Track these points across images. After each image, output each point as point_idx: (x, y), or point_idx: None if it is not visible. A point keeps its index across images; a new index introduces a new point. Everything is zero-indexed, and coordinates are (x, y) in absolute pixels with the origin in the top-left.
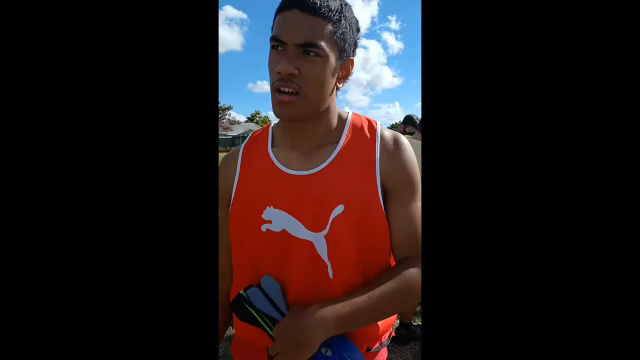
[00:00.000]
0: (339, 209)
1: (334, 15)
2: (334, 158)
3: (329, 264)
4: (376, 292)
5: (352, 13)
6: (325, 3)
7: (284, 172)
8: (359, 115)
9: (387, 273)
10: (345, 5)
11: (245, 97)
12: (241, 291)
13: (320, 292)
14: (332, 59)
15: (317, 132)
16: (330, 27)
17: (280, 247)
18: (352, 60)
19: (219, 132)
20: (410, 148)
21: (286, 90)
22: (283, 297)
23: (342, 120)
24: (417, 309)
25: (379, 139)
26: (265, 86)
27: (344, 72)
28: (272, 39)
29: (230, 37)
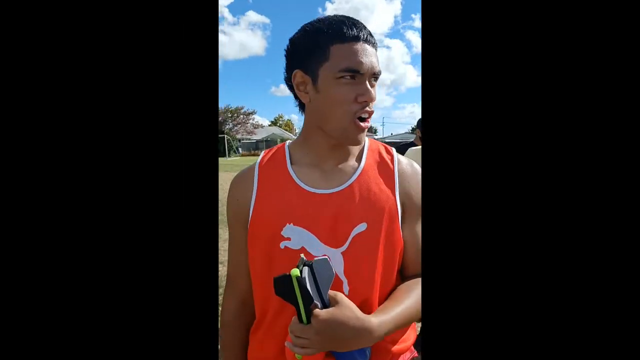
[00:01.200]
0: (361, 227)
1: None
2: (357, 177)
3: (344, 280)
4: (408, 303)
5: None
6: (372, 36)
7: (305, 190)
8: (374, 141)
9: (409, 285)
10: None
11: (269, 101)
12: (294, 272)
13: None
14: None
15: (341, 152)
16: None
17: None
18: None
19: (244, 136)
20: (419, 172)
21: (366, 116)
22: (328, 286)
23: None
24: None
25: (397, 162)
26: (287, 90)
27: None
28: (346, 70)
29: (253, 42)
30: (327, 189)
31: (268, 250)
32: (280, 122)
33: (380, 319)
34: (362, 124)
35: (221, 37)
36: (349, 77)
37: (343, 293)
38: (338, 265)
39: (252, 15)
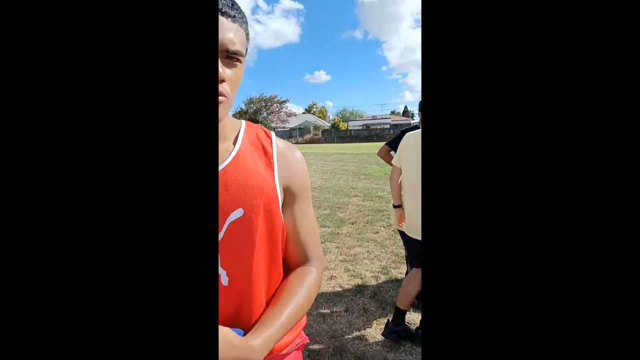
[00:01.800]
0: (237, 213)
1: (244, 20)
2: (231, 161)
3: (222, 272)
4: (291, 310)
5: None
6: (240, 9)
7: None
8: (252, 124)
9: (291, 286)
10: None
11: (303, 89)
12: None
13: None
14: (243, 61)
15: (220, 134)
16: (244, 32)
17: None
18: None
19: (277, 125)
20: (302, 158)
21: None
22: None
23: (237, 124)
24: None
25: (275, 145)
26: (322, 76)
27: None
28: None
29: (288, 29)
30: None
31: None
32: (314, 110)
33: (262, 339)
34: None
35: (256, 27)
36: None
37: (222, 284)
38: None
39: (286, 3)
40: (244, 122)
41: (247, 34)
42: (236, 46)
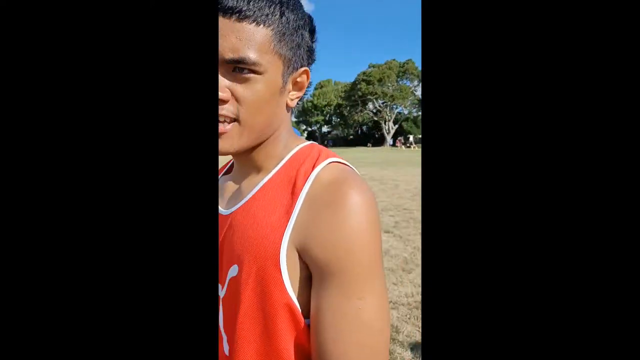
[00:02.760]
0: (233, 270)
1: (269, 16)
2: (250, 198)
3: (224, 336)
4: None
5: (300, 9)
6: (262, 5)
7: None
8: (316, 147)
9: None
10: (294, 4)
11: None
12: None
13: None
14: (275, 73)
15: (247, 161)
16: (265, 32)
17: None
18: (307, 70)
19: None
20: (358, 209)
21: (221, 119)
22: None
23: (288, 149)
24: None
25: (309, 184)
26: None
27: (297, 87)
28: None
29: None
30: (226, 209)
31: None
32: None
33: None
34: (220, 125)
35: None
36: None
37: (224, 352)
38: (220, 314)
39: None
40: (301, 145)
41: (282, 32)
42: (240, 53)
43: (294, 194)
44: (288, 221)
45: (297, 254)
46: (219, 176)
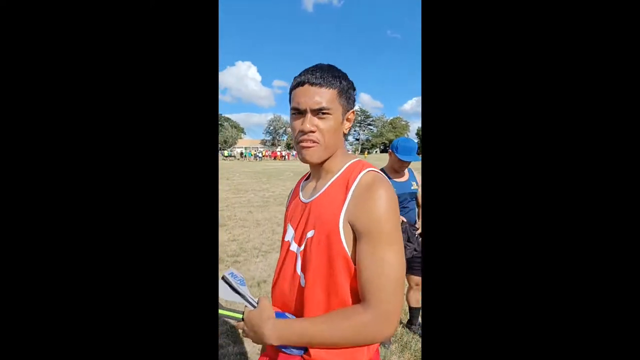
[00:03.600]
0: (310, 232)
1: (334, 84)
2: (322, 192)
3: (301, 274)
4: (322, 327)
5: (348, 78)
6: (327, 77)
7: (299, 198)
8: (361, 162)
9: (340, 313)
10: (343, 74)
11: None
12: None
13: (294, 293)
14: (338, 114)
15: (321, 170)
16: (333, 92)
17: (285, 254)
18: (353, 111)
19: None
20: (386, 195)
21: (305, 144)
22: (246, 287)
23: (344, 162)
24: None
25: (356, 182)
26: None
27: (348, 122)
28: (292, 108)
29: None
30: (307, 199)
31: (282, 239)
32: None
33: (276, 327)
34: (302, 145)
35: None
36: (295, 113)
37: (300, 286)
38: (298, 261)
39: None
40: (354, 160)
41: (341, 91)
42: (320, 104)
43: (347, 190)
44: (343, 205)
45: (349, 225)
46: (303, 181)
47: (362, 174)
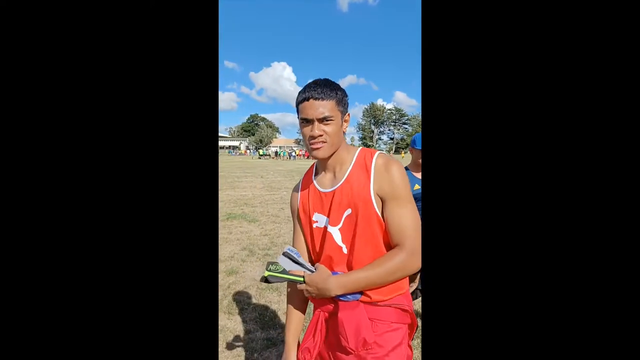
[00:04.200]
0: (348, 211)
1: (332, 96)
2: (345, 179)
3: (343, 246)
4: (372, 272)
5: (342, 88)
6: (326, 91)
7: (318, 190)
8: (366, 149)
9: (382, 259)
10: (337, 86)
11: None
12: (265, 273)
13: (339, 261)
14: (338, 119)
15: (334, 164)
16: (332, 102)
17: (323, 236)
18: (348, 114)
19: None
20: (398, 169)
21: (314, 146)
22: (304, 259)
23: (352, 153)
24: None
25: (374, 164)
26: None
27: (346, 123)
28: (300, 119)
29: None
30: (330, 188)
31: (309, 228)
32: None
33: (338, 281)
34: (312, 147)
35: None
36: (304, 122)
37: (343, 253)
38: (337, 237)
39: None
40: (360, 149)
41: (338, 101)
42: (324, 114)
43: (368, 170)
44: (370, 183)
45: (377, 196)
46: (312, 176)
47: (375, 157)
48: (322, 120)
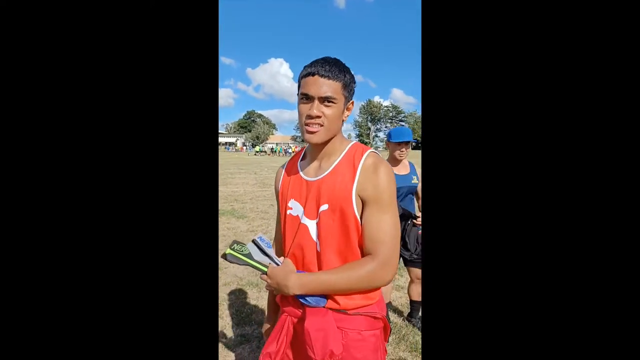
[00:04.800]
0: (325, 206)
1: (340, 76)
2: (330, 171)
3: (317, 242)
4: (336, 276)
5: (350, 72)
6: (334, 70)
7: (302, 177)
8: (359, 145)
9: (351, 265)
10: (347, 69)
11: None
12: (227, 250)
13: (311, 257)
14: (341, 103)
15: (324, 152)
16: (338, 84)
17: (296, 226)
18: (353, 102)
19: None
20: (386, 172)
21: (311, 128)
22: (274, 251)
23: (344, 145)
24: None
25: (362, 162)
26: None
27: (348, 111)
28: (300, 94)
29: None
30: (312, 178)
31: (283, 215)
32: None
33: (299, 279)
34: (307, 128)
35: None
36: (303, 98)
37: (317, 251)
38: (313, 232)
39: None
40: (352, 143)
41: (345, 84)
42: (327, 93)
43: (354, 168)
44: (354, 181)
45: (359, 197)
46: (299, 160)
47: (365, 155)
48: (324, 100)
